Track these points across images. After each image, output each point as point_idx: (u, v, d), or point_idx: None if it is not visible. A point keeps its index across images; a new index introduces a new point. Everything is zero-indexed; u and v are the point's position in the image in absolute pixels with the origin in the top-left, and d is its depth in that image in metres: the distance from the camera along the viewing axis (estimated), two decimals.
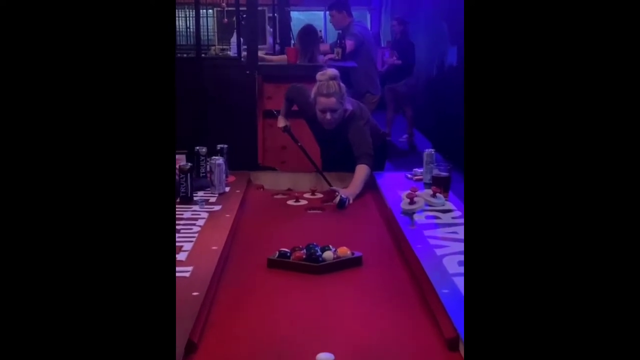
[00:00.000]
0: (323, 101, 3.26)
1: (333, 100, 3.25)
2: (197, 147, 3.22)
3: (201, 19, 5.29)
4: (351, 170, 3.24)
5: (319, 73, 3.34)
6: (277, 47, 5.90)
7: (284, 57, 5.12)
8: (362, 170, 3.20)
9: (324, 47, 5.79)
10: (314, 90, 3.32)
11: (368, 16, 11.94)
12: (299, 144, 3.55)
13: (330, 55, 5.47)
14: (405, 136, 8.21)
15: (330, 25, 6.68)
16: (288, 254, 2.24)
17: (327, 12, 6.29)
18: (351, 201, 3.04)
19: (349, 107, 3.35)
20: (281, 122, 3.65)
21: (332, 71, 3.33)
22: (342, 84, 3.31)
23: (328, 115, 3.27)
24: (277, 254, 2.25)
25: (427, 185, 3.06)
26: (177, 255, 2.05)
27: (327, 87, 3.26)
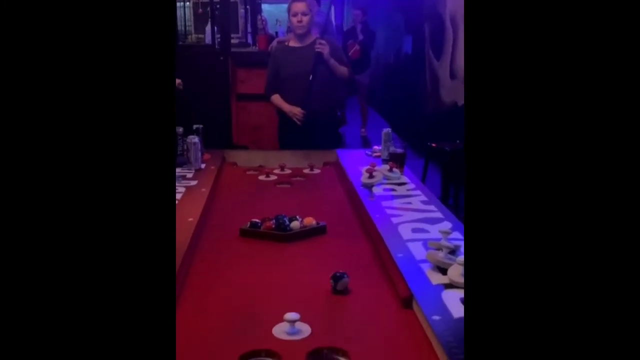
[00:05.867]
0: (295, 7, 3.51)
1: (304, 4, 3.50)
2: (175, 127, 3.18)
3: (179, 10, 5.49)
4: (329, 119, 3.74)
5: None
6: (249, 36, 5.90)
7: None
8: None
9: None
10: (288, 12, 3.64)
11: (332, 8, 11.73)
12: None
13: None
14: (363, 130, 7.81)
15: None
16: (259, 224, 2.21)
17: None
18: (326, 54, 3.56)
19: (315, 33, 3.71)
20: (295, 109, 3.73)
21: None
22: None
23: (299, 17, 3.51)
24: (248, 224, 2.22)
25: (385, 161, 3.07)
26: None
27: None
